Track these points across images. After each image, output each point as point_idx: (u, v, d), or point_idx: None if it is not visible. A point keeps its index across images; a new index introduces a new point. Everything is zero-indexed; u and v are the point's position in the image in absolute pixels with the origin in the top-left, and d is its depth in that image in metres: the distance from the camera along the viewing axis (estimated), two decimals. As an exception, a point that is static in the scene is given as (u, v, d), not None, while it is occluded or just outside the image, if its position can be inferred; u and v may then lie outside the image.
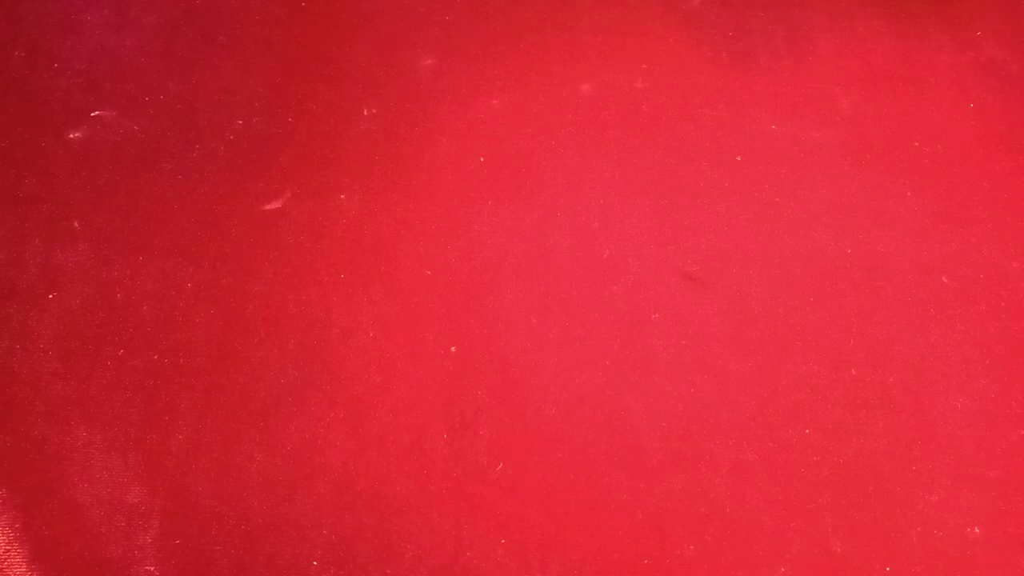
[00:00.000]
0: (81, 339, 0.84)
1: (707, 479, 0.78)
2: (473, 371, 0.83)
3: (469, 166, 0.97)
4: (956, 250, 0.91)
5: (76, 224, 0.91)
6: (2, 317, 0.85)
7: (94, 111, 1.01)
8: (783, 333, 0.86)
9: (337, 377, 0.83)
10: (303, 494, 0.77)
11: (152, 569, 0.74)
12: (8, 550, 0.75)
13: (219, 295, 0.88)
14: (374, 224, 0.93)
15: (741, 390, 0.82)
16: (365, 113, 1.01)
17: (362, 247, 0.91)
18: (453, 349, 0.85)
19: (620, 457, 0.79)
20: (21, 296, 0.86)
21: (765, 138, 0.99)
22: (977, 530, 0.76)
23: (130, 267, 0.88)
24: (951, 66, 1.05)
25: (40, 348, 0.83)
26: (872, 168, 0.96)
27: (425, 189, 0.95)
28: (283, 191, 0.95)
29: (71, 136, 0.97)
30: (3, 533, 0.76)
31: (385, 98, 1.03)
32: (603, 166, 0.97)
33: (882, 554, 0.75)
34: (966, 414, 0.81)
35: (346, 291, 0.88)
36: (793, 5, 1.10)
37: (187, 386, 0.82)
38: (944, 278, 0.89)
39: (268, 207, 0.94)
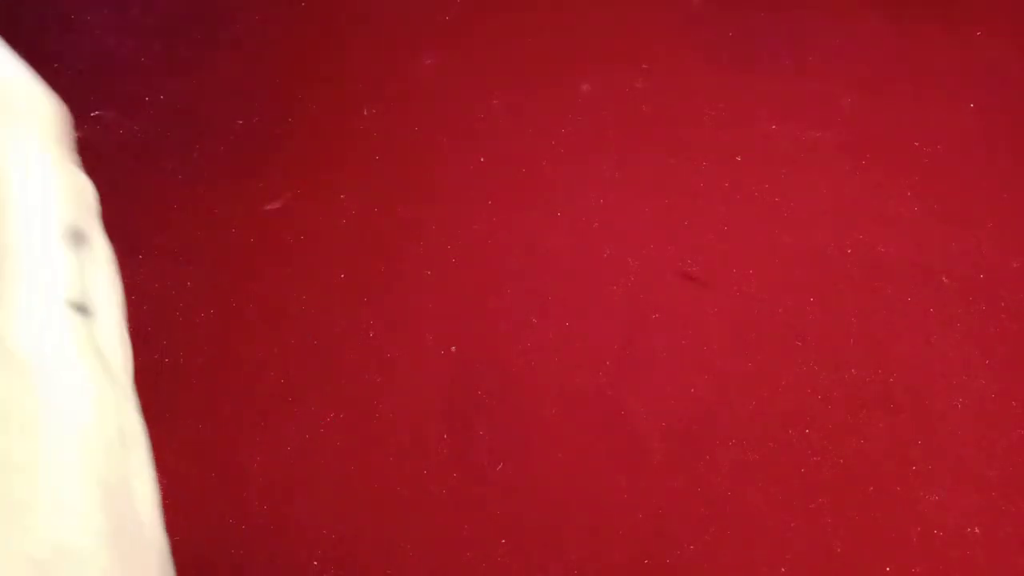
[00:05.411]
0: (81, 339, 0.84)
1: (707, 479, 0.78)
2: (473, 371, 0.83)
3: (469, 166, 0.97)
4: (956, 250, 0.90)
5: (76, 224, 0.90)
6: (2, 317, 0.85)
7: (94, 111, 1.01)
8: (783, 333, 0.85)
9: (337, 377, 0.83)
10: (303, 494, 0.77)
11: (152, 569, 0.73)
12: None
13: (219, 295, 0.88)
14: (374, 224, 0.93)
15: (741, 390, 0.82)
16: (365, 113, 1.01)
17: (362, 247, 0.91)
18: (453, 349, 0.85)
19: (620, 457, 0.79)
20: (21, 296, 0.86)
21: (765, 138, 0.99)
22: (977, 530, 0.75)
23: (130, 267, 0.88)
24: (951, 66, 1.04)
25: (40, 348, 0.83)
26: (872, 168, 0.96)
27: (425, 189, 0.95)
28: (283, 191, 0.95)
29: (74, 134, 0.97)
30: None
31: (385, 98, 1.02)
32: (603, 166, 0.96)
33: (882, 554, 0.75)
34: (966, 414, 0.81)
35: (346, 291, 0.88)
36: (793, 5, 1.10)
37: (187, 386, 0.82)
38: (944, 278, 0.89)
39: (268, 207, 0.94)
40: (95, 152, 0.96)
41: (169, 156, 0.97)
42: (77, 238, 0.22)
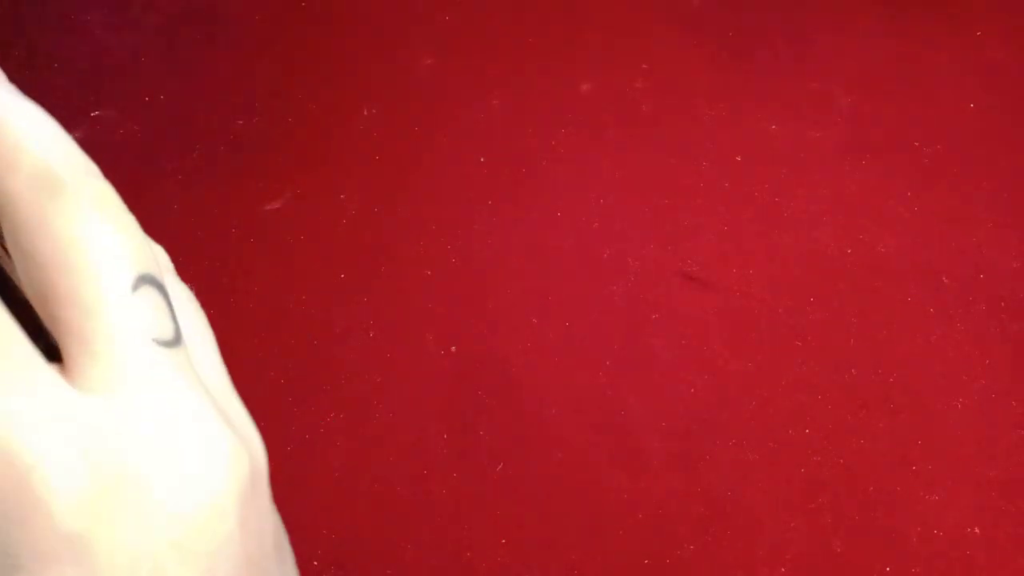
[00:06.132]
0: (81, 339, 0.84)
1: (707, 479, 0.78)
2: (473, 371, 0.83)
3: (469, 166, 0.97)
4: (956, 250, 0.91)
5: (76, 224, 0.90)
6: (2, 317, 0.85)
7: (94, 111, 1.01)
8: (783, 333, 0.85)
9: (337, 377, 0.83)
10: (303, 494, 0.77)
11: (152, 569, 0.73)
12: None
13: (219, 295, 0.88)
14: (374, 224, 0.93)
15: (741, 390, 0.82)
16: (365, 113, 1.01)
17: (362, 247, 0.91)
18: (453, 349, 0.85)
19: (620, 457, 0.79)
20: (21, 296, 0.86)
21: (765, 138, 0.99)
22: (977, 530, 0.75)
23: (130, 267, 0.88)
24: (951, 66, 1.05)
25: (40, 348, 0.83)
26: (872, 168, 0.96)
27: (425, 189, 0.95)
28: (283, 191, 0.95)
29: (71, 136, 0.97)
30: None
31: (385, 98, 1.03)
32: (603, 166, 0.96)
33: (882, 554, 0.75)
34: (966, 414, 0.81)
35: (346, 291, 0.88)
36: (793, 5, 1.10)
37: (187, 386, 0.82)
38: (944, 278, 0.89)
39: (268, 207, 0.94)
40: (95, 152, 0.96)
41: (169, 156, 0.97)
42: (150, 281, 0.23)
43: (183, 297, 0.28)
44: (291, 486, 0.78)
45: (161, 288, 0.24)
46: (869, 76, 1.04)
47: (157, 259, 0.26)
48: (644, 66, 1.04)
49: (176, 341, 0.23)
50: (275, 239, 0.92)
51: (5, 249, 0.24)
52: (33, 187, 0.23)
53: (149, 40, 1.08)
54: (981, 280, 0.89)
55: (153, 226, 0.97)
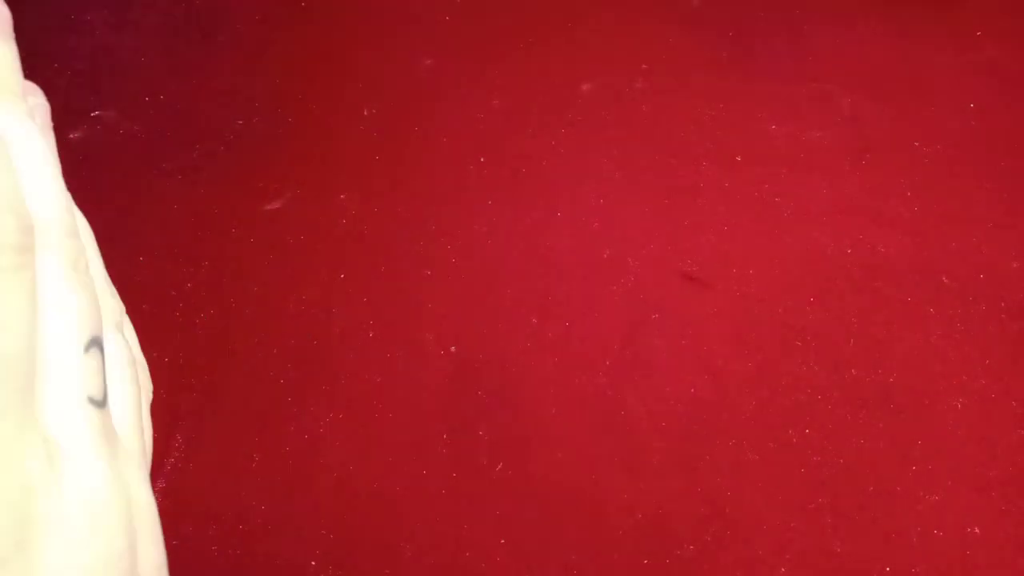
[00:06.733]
0: (81, 339, 0.83)
1: (707, 479, 0.78)
2: (473, 371, 0.83)
3: (469, 166, 0.97)
4: (956, 250, 0.91)
5: (76, 224, 0.90)
6: (2, 317, 0.85)
7: (94, 111, 1.01)
8: (783, 333, 0.85)
9: (337, 377, 0.83)
10: (303, 494, 0.77)
11: (152, 569, 0.73)
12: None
13: (219, 295, 0.88)
14: (374, 224, 0.93)
15: (741, 390, 0.82)
16: (365, 113, 1.01)
17: (362, 247, 0.91)
18: (453, 349, 0.85)
19: (620, 457, 0.79)
20: (21, 296, 0.86)
21: (765, 138, 0.99)
22: (977, 530, 0.75)
23: (130, 267, 0.88)
24: (951, 66, 1.04)
25: (40, 348, 0.83)
26: (872, 168, 0.96)
27: (425, 189, 0.95)
28: (283, 191, 0.95)
29: (71, 136, 0.97)
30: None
31: (385, 98, 1.02)
32: (603, 166, 0.96)
33: (882, 554, 0.74)
34: (966, 414, 0.81)
35: (346, 291, 0.88)
36: (793, 5, 1.10)
37: (187, 386, 0.82)
38: (944, 278, 0.89)
39: (268, 207, 0.94)
40: (95, 152, 0.96)
41: (169, 156, 0.97)
42: (95, 344, 0.26)
43: (121, 352, 0.31)
44: (291, 486, 0.77)
45: (102, 349, 0.26)
46: (869, 76, 1.04)
47: (120, 308, 0.28)
48: (644, 66, 1.04)
49: (104, 402, 0.26)
50: (275, 239, 0.92)
51: None
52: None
53: (149, 40, 1.08)
54: (981, 280, 0.89)
55: (153, 226, 0.98)
